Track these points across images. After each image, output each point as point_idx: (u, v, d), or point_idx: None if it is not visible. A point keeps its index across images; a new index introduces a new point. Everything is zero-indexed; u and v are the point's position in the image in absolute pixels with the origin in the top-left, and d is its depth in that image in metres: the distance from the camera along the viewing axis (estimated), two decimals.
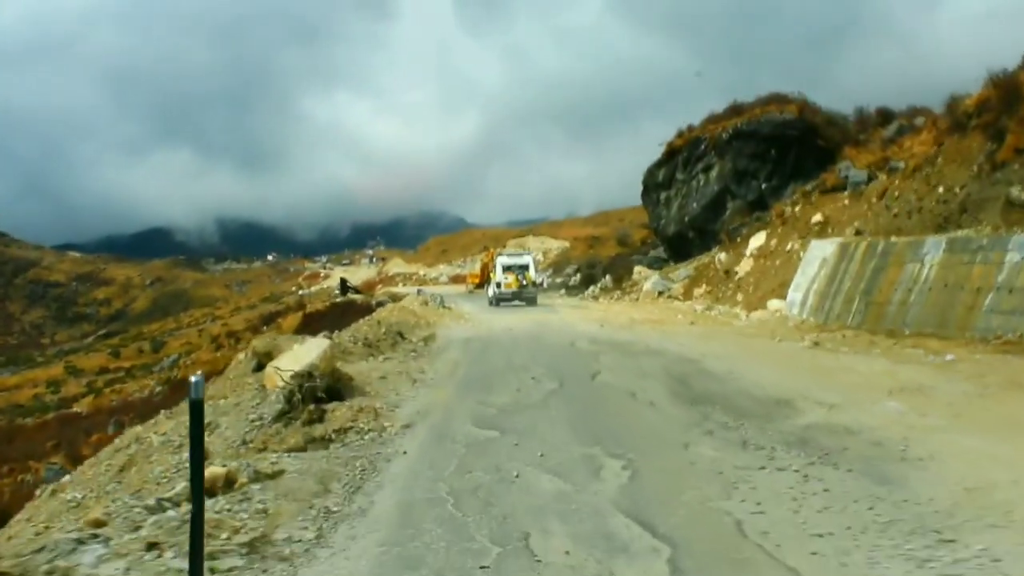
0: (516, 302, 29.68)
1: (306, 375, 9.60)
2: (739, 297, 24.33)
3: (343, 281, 54.18)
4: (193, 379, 3.55)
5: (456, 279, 64.32)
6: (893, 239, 17.09)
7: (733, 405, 8.73)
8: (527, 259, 32.05)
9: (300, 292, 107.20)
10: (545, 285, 48.32)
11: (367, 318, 18.95)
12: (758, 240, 25.88)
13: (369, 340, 15.40)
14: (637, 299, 29.14)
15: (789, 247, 24.29)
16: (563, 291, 42.29)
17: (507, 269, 30.55)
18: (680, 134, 34.54)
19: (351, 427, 8.42)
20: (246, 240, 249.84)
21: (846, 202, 23.55)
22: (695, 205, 34.38)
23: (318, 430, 8.34)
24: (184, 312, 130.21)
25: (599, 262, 49.28)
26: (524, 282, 30.09)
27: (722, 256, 27.27)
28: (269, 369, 11.48)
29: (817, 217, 23.78)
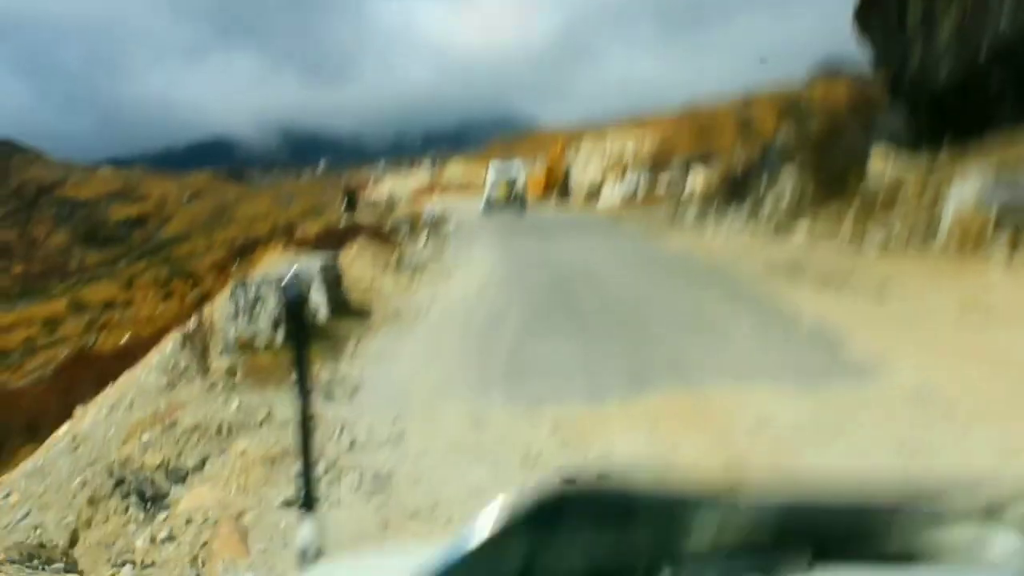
0: (507, 210, 31.20)
1: None
2: None
3: (348, 195, 36.66)
4: None
5: None
6: None
7: None
8: (515, 170, 33.55)
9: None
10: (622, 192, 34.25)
11: None
12: None
13: None
14: (930, 244, 9.97)
15: None
16: (692, 211, 23.04)
17: (497, 181, 32.25)
18: None
19: None
20: (313, 152, 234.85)
21: None
22: (1004, 11, 14.42)
23: None
24: (221, 230, 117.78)
25: (715, 155, 31.85)
26: (513, 192, 32.03)
27: None
28: None
29: None
